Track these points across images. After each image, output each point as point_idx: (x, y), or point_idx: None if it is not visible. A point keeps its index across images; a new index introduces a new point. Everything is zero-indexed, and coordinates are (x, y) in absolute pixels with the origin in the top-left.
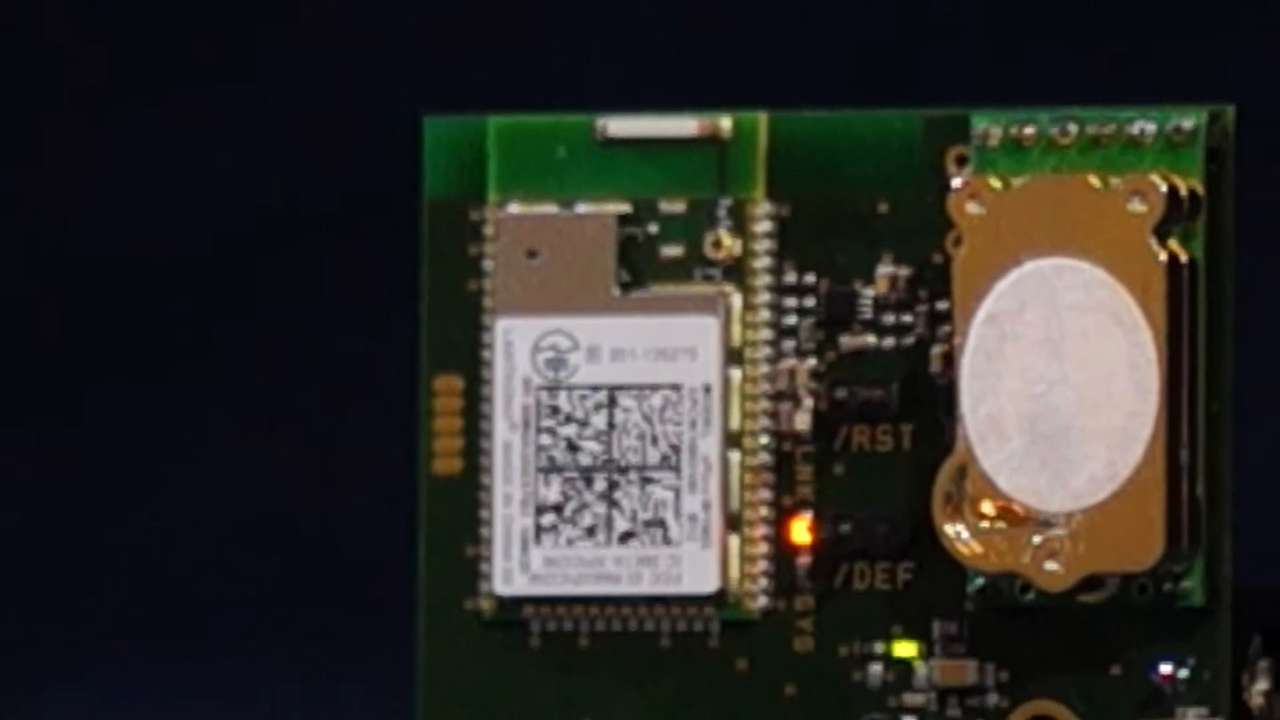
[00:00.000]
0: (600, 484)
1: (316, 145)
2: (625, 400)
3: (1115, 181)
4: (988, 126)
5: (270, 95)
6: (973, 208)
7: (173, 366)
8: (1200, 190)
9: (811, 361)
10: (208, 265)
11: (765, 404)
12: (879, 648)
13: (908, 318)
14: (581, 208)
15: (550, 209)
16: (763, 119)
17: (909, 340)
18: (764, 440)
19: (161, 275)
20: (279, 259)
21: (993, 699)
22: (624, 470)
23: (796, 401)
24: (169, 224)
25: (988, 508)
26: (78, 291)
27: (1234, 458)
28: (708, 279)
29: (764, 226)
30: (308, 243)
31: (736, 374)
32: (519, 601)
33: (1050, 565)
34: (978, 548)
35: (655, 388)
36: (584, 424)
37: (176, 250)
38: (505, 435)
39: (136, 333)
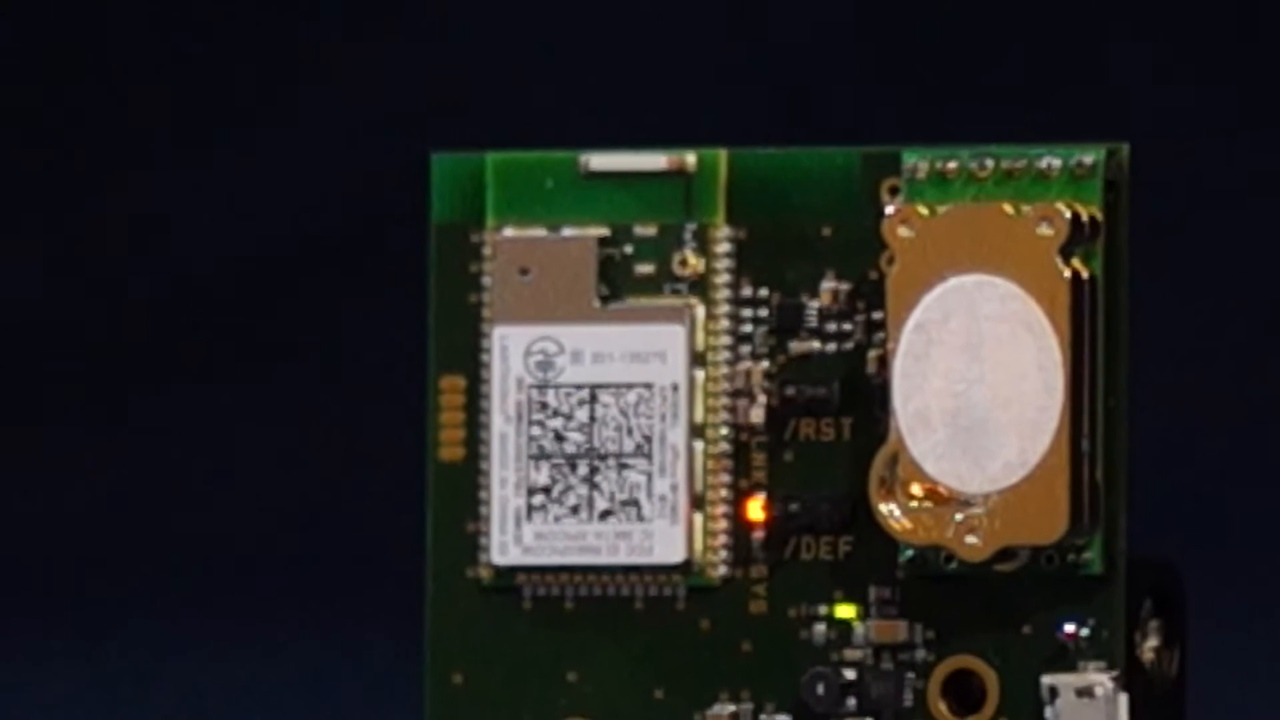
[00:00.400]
0: (583, 469)
1: (342, 179)
2: (604, 397)
3: (1026, 209)
4: (916, 162)
5: (304, 138)
6: (903, 231)
7: (218, 369)
8: (1099, 217)
9: (764, 364)
10: (252, 280)
11: (725, 400)
12: (823, 610)
13: (847, 326)
14: (566, 231)
15: (539, 232)
16: (723, 155)
17: (848, 345)
18: (724, 431)
19: (211, 289)
20: (311, 276)
21: (920, 654)
22: (603, 457)
23: (752, 398)
24: (219, 246)
25: (916, 489)
26: (139, 304)
27: (1128, 447)
28: (675, 293)
29: (724, 248)
30: (335, 262)
31: (700, 374)
32: (512, 570)
33: (970, 539)
34: (908, 524)
35: (630, 386)
36: (569, 417)
37: (224, 269)
38: (501, 427)
39: (189, 340)
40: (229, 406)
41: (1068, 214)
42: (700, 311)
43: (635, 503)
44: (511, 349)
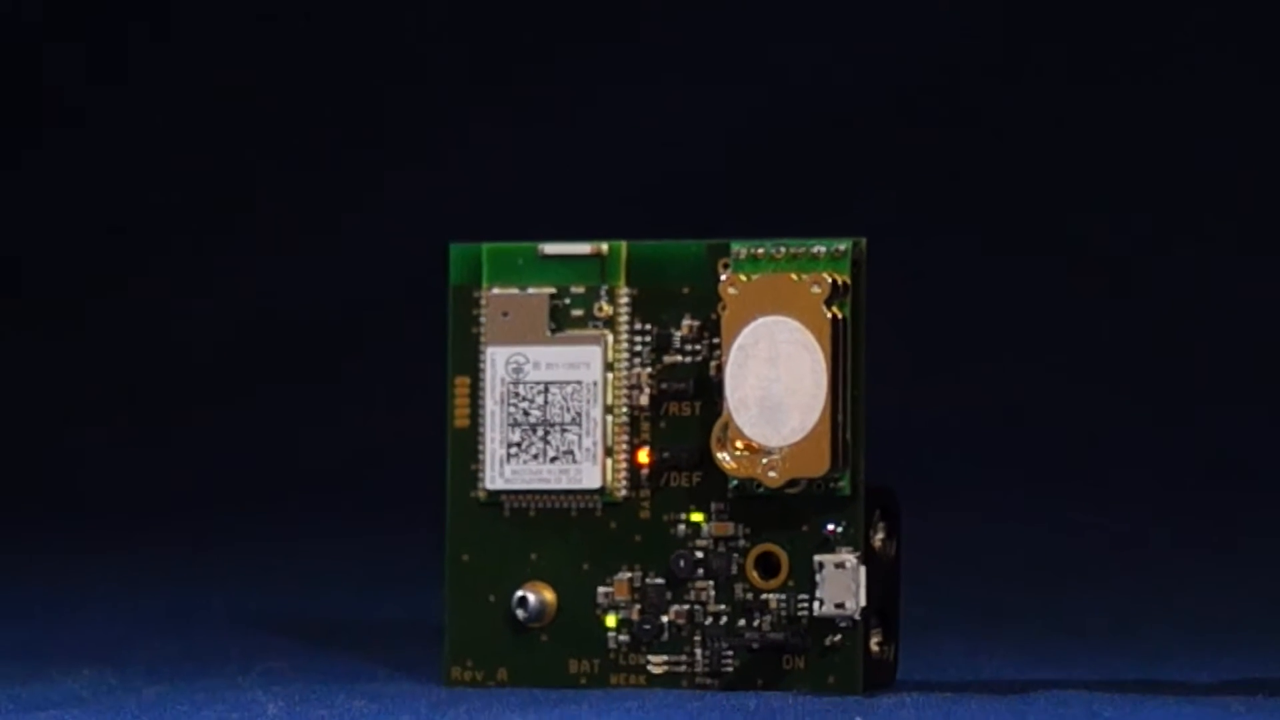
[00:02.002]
0: (540, 432)
1: (404, 259)
2: (553, 389)
3: (804, 277)
4: (739, 249)
5: (386, 233)
6: (731, 290)
7: (313, 387)
8: (848, 281)
9: (648, 369)
10: (344, 323)
11: (624, 391)
12: (683, 516)
13: (698, 347)
14: (530, 290)
15: (514, 291)
16: (624, 245)
17: (699, 358)
18: (624, 410)
19: (307, 330)
20: (382, 321)
21: (741, 542)
22: (552, 425)
23: (641, 390)
24: (319, 296)
25: (739, 444)
26: (256, 338)
27: (864, 420)
28: (595, 327)
29: (624, 300)
30: (397, 309)
31: (609, 376)
32: (498, 492)
33: (771, 473)
34: (733, 465)
35: (568, 383)
36: (531, 401)
37: (319, 315)
38: (491, 406)
39: (294, 363)
40: (329, 407)
41: (829, 280)
42: (610, 338)
43: (571, 452)
44: (497, 360)
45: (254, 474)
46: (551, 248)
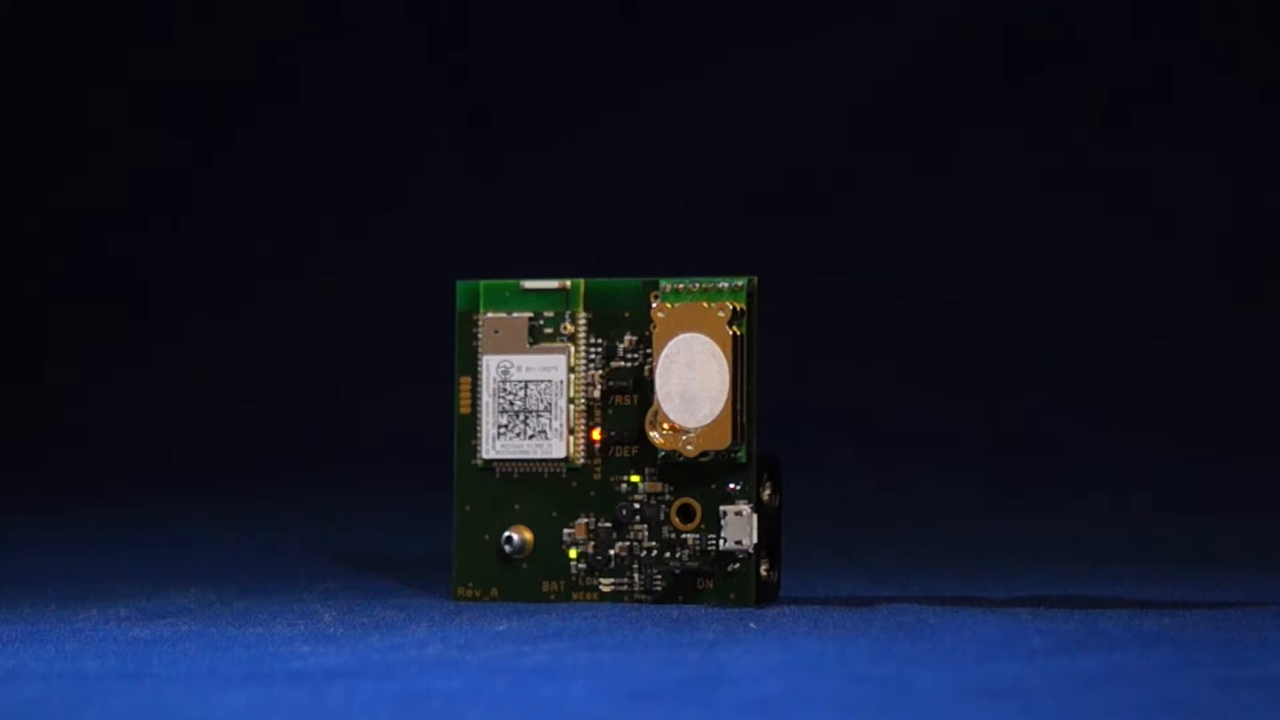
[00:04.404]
0: (522, 417)
1: (422, 295)
2: (531, 386)
3: (713, 304)
4: (666, 284)
5: (412, 274)
6: (660, 314)
7: (362, 386)
8: (744, 307)
9: (600, 372)
10: (384, 342)
11: (582, 388)
12: (625, 478)
13: (636, 355)
14: (515, 314)
15: (503, 314)
16: (583, 282)
17: (637, 363)
18: (582, 401)
19: (356, 345)
20: (408, 341)
21: (667, 497)
22: (531, 412)
23: (595, 386)
24: (366, 321)
25: (665, 426)
26: (322, 349)
27: (757, 409)
28: (562, 341)
29: (582, 322)
30: (420, 331)
31: (572, 376)
32: (491, 461)
33: (689, 447)
34: (662, 441)
35: (542, 381)
36: (515, 394)
37: (366, 334)
38: (486, 398)
39: (347, 370)
40: (380, 391)
41: (731, 307)
42: (572, 349)
43: (544, 432)
44: (491, 365)
45: (318, 448)
46: (530, 284)
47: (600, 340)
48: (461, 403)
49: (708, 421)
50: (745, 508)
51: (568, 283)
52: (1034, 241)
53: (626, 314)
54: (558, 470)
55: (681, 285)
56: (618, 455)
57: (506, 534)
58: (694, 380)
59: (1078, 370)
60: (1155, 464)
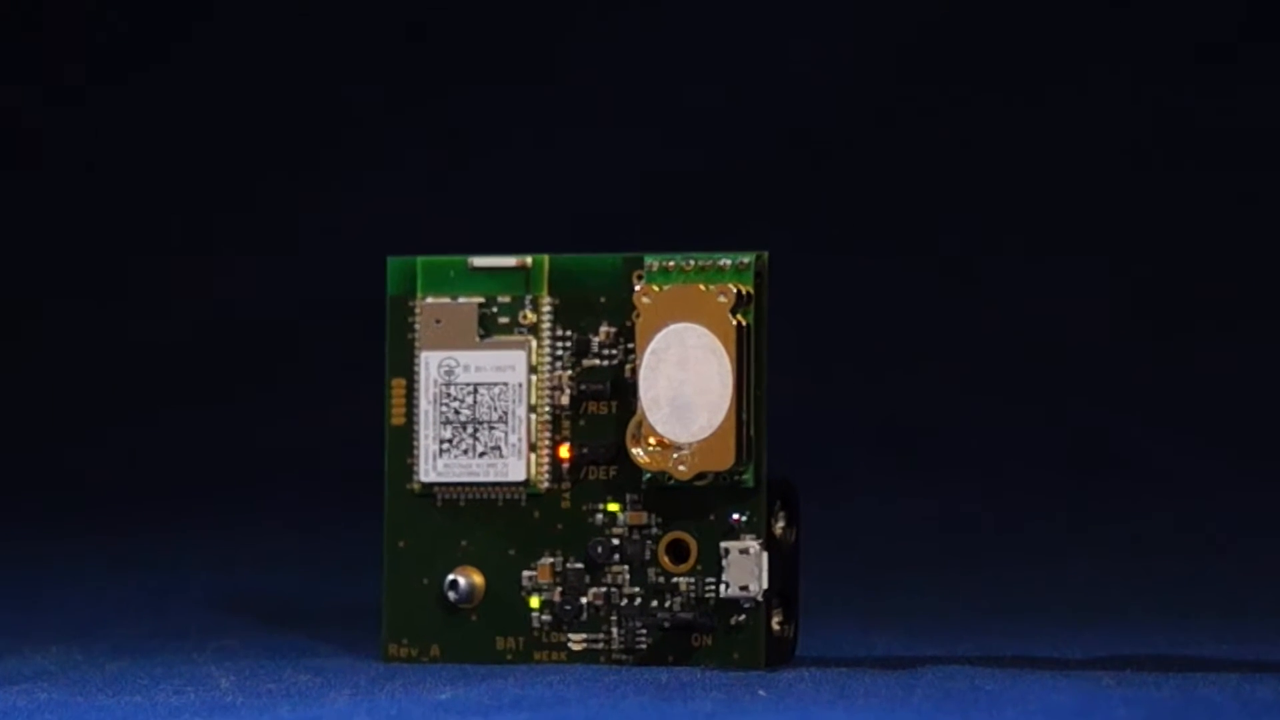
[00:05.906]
0: (470, 429)
1: (355, 272)
2: (481, 390)
3: (712, 287)
4: (652, 261)
5: (341, 247)
6: (645, 300)
7: (266, 388)
8: (751, 291)
9: (569, 372)
10: (300, 336)
11: (547, 392)
12: (601, 506)
13: (614, 351)
14: (461, 300)
15: (446, 300)
16: (546, 258)
17: (615, 361)
18: (547, 409)
19: (259, 336)
20: (329, 333)
21: (654, 530)
22: (481, 423)
23: (562, 390)
24: (273, 305)
25: (651, 440)
26: (214, 341)
27: (766, 418)
28: (520, 333)
29: (547, 309)
30: (354, 316)
31: (533, 378)
32: (431, 484)
33: (681, 467)
34: (647, 459)
35: (495, 384)
36: (462, 401)
37: (272, 322)
38: (425, 406)
39: (246, 367)
40: (295, 394)
41: (734, 290)
42: (534, 343)
43: (498, 448)
44: (431, 364)
45: (211, 469)
46: (480, 260)
47: (569, 332)
48: (394, 412)
49: (705, 435)
50: (753, 544)
51: (528, 259)
52: (1107, 220)
53: (603, 299)
54: (515, 497)
55: (672, 263)
56: (591, 478)
57: (451, 577)
58: (688, 383)
59: (1161, 371)
60: (1263, 488)
